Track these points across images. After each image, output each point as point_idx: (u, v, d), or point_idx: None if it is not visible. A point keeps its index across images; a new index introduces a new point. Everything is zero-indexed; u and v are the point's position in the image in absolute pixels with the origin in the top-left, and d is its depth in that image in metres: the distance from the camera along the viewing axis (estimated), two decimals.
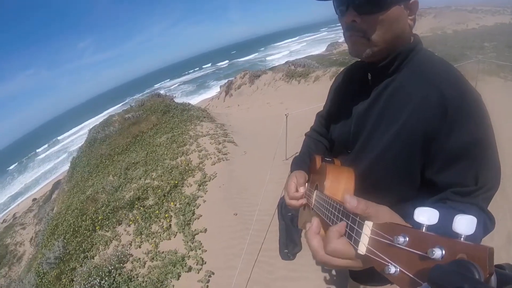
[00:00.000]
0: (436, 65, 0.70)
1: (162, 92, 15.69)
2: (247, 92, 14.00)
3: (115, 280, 3.41)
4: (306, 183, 0.87)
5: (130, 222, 4.38)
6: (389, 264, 0.32)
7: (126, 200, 4.85)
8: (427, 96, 0.65)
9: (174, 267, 3.24)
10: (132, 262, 3.68)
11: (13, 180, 32.74)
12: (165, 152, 6.10)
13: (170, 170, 5.23)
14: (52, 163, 31.99)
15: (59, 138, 48.93)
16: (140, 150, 7.06)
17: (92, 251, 4.23)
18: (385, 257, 0.33)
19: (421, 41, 0.75)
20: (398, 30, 0.68)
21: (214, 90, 30.01)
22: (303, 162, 1.01)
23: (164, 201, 4.54)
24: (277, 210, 3.18)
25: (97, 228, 4.57)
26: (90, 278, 3.43)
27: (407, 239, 0.31)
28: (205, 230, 3.71)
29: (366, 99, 0.78)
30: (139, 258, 3.68)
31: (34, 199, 16.59)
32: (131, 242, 4.04)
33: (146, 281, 3.25)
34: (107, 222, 4.60)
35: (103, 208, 4.92)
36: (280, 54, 50.14)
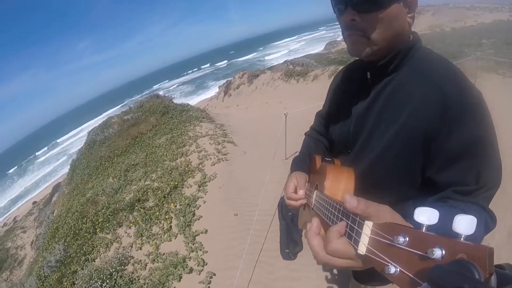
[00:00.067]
0: (435, 62, 0.70)
1: (161, 93, 15.68)
2: (246, 92, 14.00)
3: (117, 282, 3.40)
4: (306, 184, 0.87)
5: (131, 224, 4.38)
6: (389, 264, 0.32)
7: (126, 202, 4.85)
8: (427, 94, 0.64)
9: (175, 269, 3.24)
10: (133, 264, 3.68)
11: (13, 184, 32.78)
12: (164, 153, 6.09)
13: (170, 171, 5.23)
14: (52, 166, 32.04)
15: (58, 140, 48.98)
16: (140, 151, 7.06)
17: (93, 254, 4.22)
18: (385, 257, 0.33)
19: (420, 39, 0.74)
20: (398, 28, 0.68)
21: (213, 91, 30.05)
22: (303, 162, 1.01)
23: (164, 202, 4.53)
24: (278, 210, 3.18)
25: (97, 230, 4.57)
26: (91, 281, 3.43)
27: (407, 239, 0.31)
28: (206, 231, 3.71)
29: (366, 98, 0.77)
30: (140, 260, 3.68)
31: (34, 202, 16.60)
32: (132, 244, 4.03)
33: (147, 283, 3.25)
34: (107, 225, 4.60)
35: (103, 211, 4.92)
36: (279, 54, 50.20)
